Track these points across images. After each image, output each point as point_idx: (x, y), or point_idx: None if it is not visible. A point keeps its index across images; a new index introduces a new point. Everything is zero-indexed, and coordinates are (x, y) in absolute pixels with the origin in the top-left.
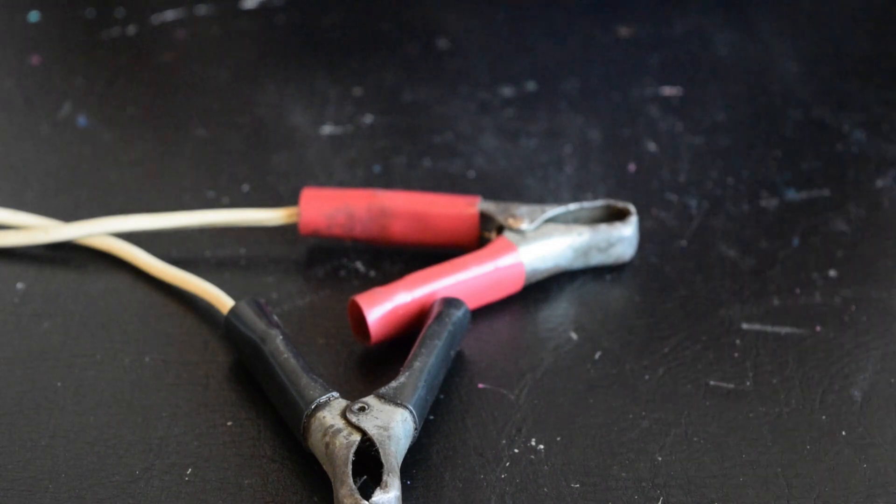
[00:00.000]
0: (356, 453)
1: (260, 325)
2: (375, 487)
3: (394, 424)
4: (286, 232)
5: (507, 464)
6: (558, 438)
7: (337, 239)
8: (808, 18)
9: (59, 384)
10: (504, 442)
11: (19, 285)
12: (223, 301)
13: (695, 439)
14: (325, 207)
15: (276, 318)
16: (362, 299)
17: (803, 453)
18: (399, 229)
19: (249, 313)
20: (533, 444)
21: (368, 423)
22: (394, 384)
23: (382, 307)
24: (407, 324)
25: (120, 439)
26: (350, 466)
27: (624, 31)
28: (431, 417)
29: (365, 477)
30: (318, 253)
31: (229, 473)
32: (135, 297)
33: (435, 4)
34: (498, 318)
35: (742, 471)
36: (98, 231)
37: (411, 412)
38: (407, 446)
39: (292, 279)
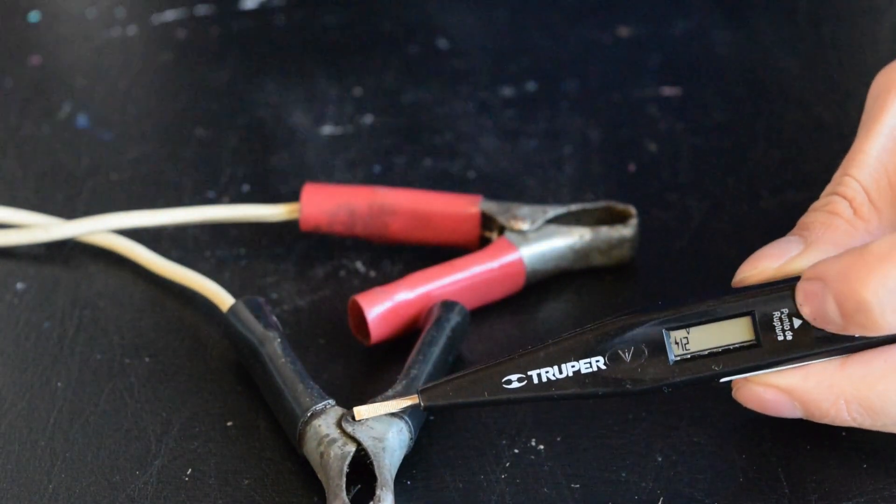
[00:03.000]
0: (351, 463)
1: (258, 326)
2: (369, 500)
3: (389, 436)
4: (286, 231)
5: (507, 464)
6: (558, 438)
7: (338, 235)
8: (808, 18)
9: (59, 384)
10: (504, 442)
11: (19, 285)
12: (223, 299)
13: (695, 439)
14: (326, 204)
15: (274, 318)
16: (362, 299)
17: (803, 453)
18: (400, 227)
19: (248, 313)
20: (533, 444)
21: (363, 434)
22: (390, 393)
23: (382, 306)
24: (407, 323)
25: (119, 439)
26: (343, 479)
27: (624, 31)
28: (431, 418)
29: (360, 486)
30: (318, 253)
31: (229, 473)
32: (135, 296)
33: (435, 4)
34: (498, 318)
35: (742, 471)
36: (99, 228)
37: (407, 423)
38: (402, 457)
39: (292, 279)
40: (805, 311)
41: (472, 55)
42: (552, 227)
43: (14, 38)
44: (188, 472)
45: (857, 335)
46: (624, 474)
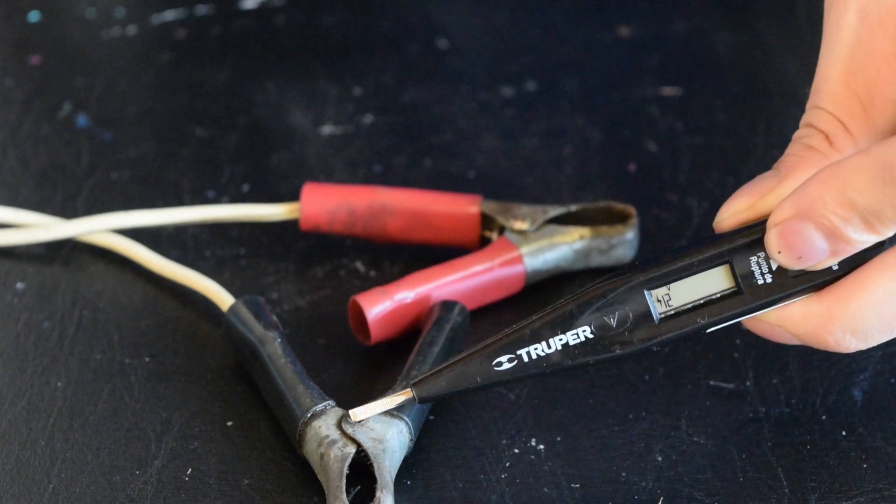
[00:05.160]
0: (351, 464)
1: (258, 326)
2: (369, 501)
3: (389, 437)
4: (286, 231)
5: (507, 464)
6: (558, 438)
7: (337, 235)
8: (808, 18)
9: (58, 384)
10: (504, 442)
11: (19, 285)
12: (223, 299)
13: (695, 439)
14: (326, 203)
15: (274, 318)
16: (362, 299)
17: (803, 453)
18: (400, 227)
19: (248, 313)
20: (533, 444)
21: (363, 436)
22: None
23: (383, 307)
24: (407, 324)
25: (119, 439)
26: (343, 480)
27: (624, 31)
28: (432, 417)
29: (360, 487)
30: (318, 252)
31: (229, 473)
32: (135, 296)
33: (435, 4)
34: (498, 318)
35: (742, 471)
36: (99, 227)
37: (407, 424)
38: (402, 458)
39: (292, 279)
40: (784, 256)
41: (472, 55)
42: (552, 227)
43: (14, 38)
44: (188, 472)
45: (849, 249)
46: (624, 474)
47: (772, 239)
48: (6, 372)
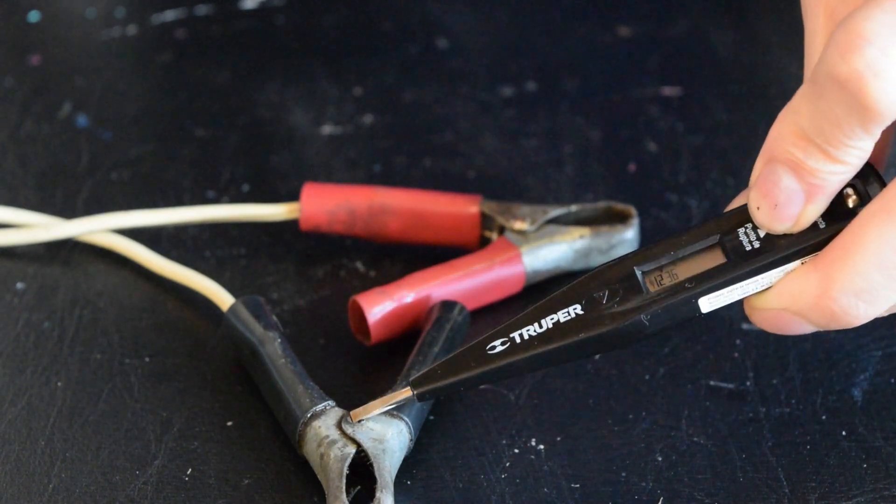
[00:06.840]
0: (351, 464)
1: (258, 326)
2: (369, 501)
3: (389, 437)
4: (286, 231)
5: (507, 464)
6: (558, 438)
7: (337, 235)
8: None
9: (59, 384)
10: (504, 442)
11: (19, 285)
12: (223, 299)
13: (695, 439)
14: (326, 203)
15: (274, 318)
16: (363, 299)
17: (803, 453)
18: (400, 227)
19: (248, 313)
20: (533, 444)
21: (363, 436)
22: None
23: (383, 307)
24: (407, 324)
25: (119, 439)
26: (343, 481)
27: (624, 31)
28: (432, 417)
29: (359, 487)
30: (318, 252)
31: (229, 473)
32: (135, 296)
33: (435, 4)
34: (498, 318)
35: (742, 471)
36: (100, 227)
37: (407, 424)
38: (402, 458)
39: (292, 279)
40: (763, 210)
41: (472, 55)
42: (552, 227)
43: (14, 38)
44: (188, 472)
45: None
46: (624, 474)
47: (751, 196)
48: (6, 372)
